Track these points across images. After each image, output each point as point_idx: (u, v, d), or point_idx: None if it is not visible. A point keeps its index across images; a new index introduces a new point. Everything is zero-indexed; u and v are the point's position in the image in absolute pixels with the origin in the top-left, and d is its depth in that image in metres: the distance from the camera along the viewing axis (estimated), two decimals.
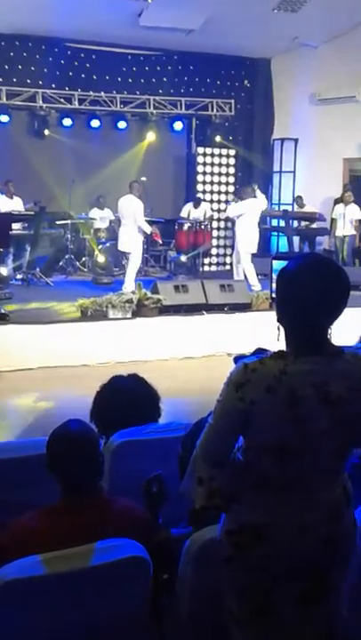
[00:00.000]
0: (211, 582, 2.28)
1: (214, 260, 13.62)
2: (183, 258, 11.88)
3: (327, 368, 2.01)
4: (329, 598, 2.16)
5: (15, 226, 10.36)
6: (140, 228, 10.02)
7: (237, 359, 3.41)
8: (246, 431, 2.06)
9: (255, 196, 10.83)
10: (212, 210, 13.05)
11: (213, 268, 13.34)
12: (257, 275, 10.43)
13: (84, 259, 12.16)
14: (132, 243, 10.07)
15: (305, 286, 2.01)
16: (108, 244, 11.70)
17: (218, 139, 13.60)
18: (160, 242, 11.79)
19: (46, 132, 12.36)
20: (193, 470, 2.10)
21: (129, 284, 9.83)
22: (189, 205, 12.74)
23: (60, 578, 2.16)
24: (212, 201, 13.42)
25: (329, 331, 2.06)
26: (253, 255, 10.55)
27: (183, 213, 12.61)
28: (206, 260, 12.90)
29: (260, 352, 3.37)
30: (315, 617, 2.15)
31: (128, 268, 10.19)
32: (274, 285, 2.15)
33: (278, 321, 2.09)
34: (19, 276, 10.78)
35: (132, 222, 9.97)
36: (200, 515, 2.26)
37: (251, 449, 2.09)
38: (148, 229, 10.24)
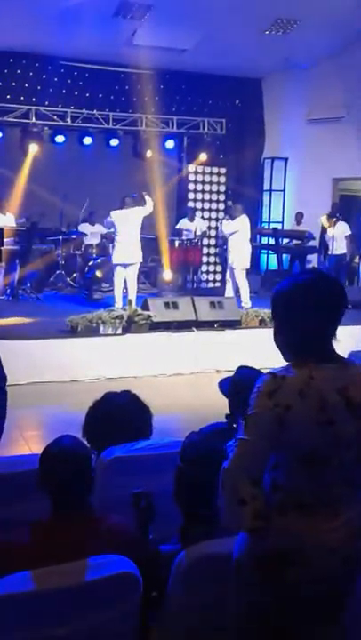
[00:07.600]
0: (200, 600, 2.27)
1: (203, 276, 13.67)
2: (167, 276, 11.91)
3: (345, 374, 2.06)
4: (344, 617, 2.17)
5: (6, 241, 10.37)
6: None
7: (223, 382, 3.43)
8: (280, 442, 1.99)
9: (243, 214, 10.94)
10: (203, 227, 13.12)
11: (203, 285, 13.38)
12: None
13: (74, 274, 12.16)
14: (139, 252, 10.10)
15: (320, 294, 2.08)
16: (99, 260, 11.71)
17: (209, 157, 13.70)
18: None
19: (38, 148, 12.39)
20: (225, 492, 1.98)
21: (133, 295, 9.85)
22: (185, 220, 12.83)
23: (49, 594, 2.14)
24: (202, 218, 13.51)
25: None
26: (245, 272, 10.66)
27: (179, 226, 12.79)
28: (195, 277, 12.94)
29: (243, 369, 3.40)
30: (331, 637, 2.16)
31: (130, 278, 10.02)
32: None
33: (288, 336, 2.12)
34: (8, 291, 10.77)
35: (137, 233, 10.01)
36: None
37: (281, 465, 2.05)
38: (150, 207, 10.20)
